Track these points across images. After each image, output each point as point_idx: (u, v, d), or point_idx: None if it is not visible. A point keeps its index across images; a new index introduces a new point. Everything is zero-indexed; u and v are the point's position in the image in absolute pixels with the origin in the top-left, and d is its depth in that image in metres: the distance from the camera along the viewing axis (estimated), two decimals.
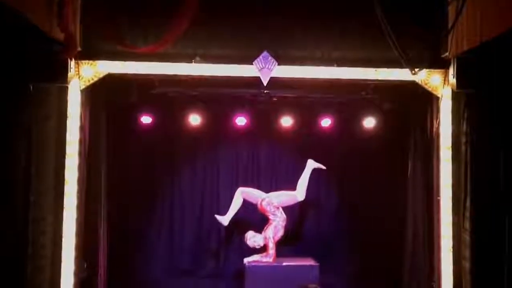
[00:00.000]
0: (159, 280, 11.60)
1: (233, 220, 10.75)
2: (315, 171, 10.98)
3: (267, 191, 10.91)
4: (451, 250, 9.37)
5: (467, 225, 9.10)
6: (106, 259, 10.31)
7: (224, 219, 10.72)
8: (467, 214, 9.10)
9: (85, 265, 9.55)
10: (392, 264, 11.33)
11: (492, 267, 8.69)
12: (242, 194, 10.80)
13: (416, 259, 10.76)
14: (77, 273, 9.09)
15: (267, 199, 10.65)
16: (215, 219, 10.89)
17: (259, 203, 10.69)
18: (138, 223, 11.83)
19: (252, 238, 10.60)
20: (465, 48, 8.57)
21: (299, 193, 10.78)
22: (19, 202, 8.15)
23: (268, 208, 10.61)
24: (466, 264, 9.10)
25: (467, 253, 9.08)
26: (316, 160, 10.94)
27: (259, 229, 10.71)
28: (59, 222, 8.88)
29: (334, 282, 10.33)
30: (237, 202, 10.76)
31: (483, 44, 7.90)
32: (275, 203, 10.64)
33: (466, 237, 9.10)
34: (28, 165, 8.34)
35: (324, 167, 10.96)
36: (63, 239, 8.88)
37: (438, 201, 9.61)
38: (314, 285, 4.51)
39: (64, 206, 8.90)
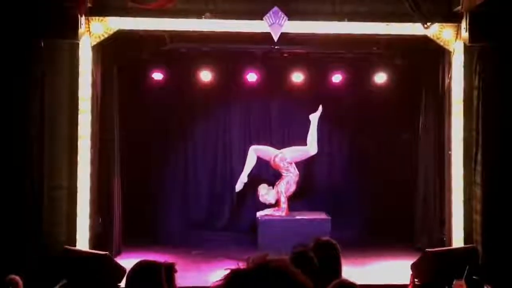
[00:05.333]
0: (174, 233, 11.72)
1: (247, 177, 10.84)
2: (326, 126, 10.99)
3: (279, 147, 10.94)
4: (462, 203, 9.41)
5: (478, 179, 9.14)
6: (121, 213, 10.44)
7: (241, 180, 10.71)
8: (478, 168, 9.12)
9: (100, 220, 9.68)
10: (404, 217, 11.40)
11: (502, 220, 8.76)
12: (255, 152, 10.82)
13: (427, 212, 10.82)
14: (92, 228, 9.23)
15: (280, 155, 10.68)
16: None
17: (272, 159, 10.72)
18: (152, 178, 11.97)
19: (265, 195, 10.65)
20: (478, 1, 8.48)
21: (311, 147, 10.79)
22: (34, 157, 8.25)
23: (281, 164, 10.64)
24: (477, 217, 9.16)
25: (478, 206, 9.14)
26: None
27: (272, 185, 10.76)
28: (73, 178, 8.99)
29: (346, 235, 10.40)
30: (251, 160, 10.79)
31: None
32: (288, 158, 10.67)
33: (477, 190, 9.15)
34: (42, 120, 8.42)
35: (320, 109, 10.90)
36: (77, 194, 9.01)
37: (450, 156, 9.63)
38: (326, 238, 4.55)
39: (78, 161, 9.00)
